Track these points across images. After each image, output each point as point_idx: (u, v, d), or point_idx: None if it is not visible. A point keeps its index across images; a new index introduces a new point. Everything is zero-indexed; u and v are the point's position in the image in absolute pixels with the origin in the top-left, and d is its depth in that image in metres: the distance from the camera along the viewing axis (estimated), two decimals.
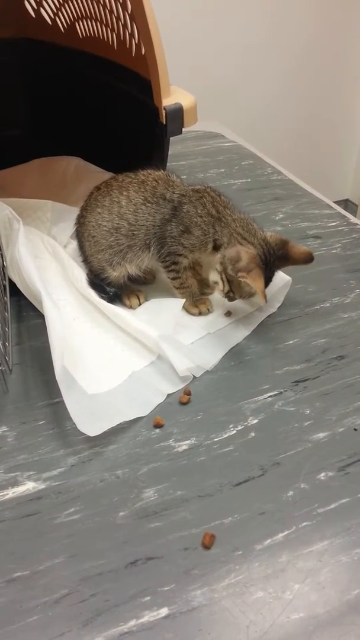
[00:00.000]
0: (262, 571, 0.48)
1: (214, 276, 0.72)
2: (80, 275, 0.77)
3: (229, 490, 0.55)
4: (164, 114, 0.75)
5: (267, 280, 0.70)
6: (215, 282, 0.72)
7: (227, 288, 0.71)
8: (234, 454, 0.58)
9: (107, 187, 0.76)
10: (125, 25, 0.78)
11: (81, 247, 0.79)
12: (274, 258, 0.70)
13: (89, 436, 0.58)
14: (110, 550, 0.50)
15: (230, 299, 0.73)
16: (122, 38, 0.81)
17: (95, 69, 0.89)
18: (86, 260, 0.78)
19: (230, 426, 0.61)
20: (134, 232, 0.73)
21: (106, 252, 0.74)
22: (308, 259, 0.73)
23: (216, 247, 0.71)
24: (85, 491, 0.55)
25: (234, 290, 0.71)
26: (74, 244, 0.83)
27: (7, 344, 0.65)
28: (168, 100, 0.75)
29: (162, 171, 0.75)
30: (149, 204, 0.72)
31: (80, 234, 0.78)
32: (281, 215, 1.01)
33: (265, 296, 0.67)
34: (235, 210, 0.72)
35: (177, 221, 0.71)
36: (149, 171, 0.75)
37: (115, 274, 0.75)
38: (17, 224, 0.75)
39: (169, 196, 0.72)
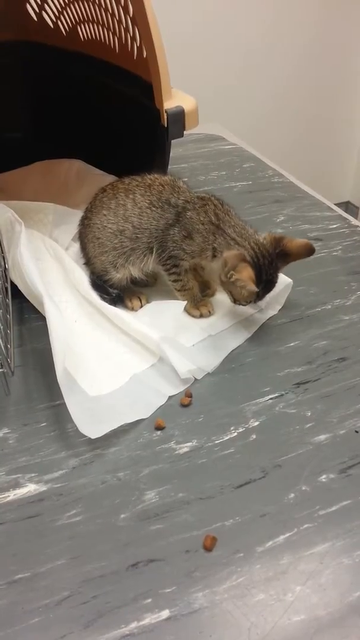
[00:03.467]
0: (264, 573, 0.48)
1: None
2: (81, 277, 0.77)
3: (230, 493, 0.55)
4: (165, 117, 0.75)
5: (268, 283, 0.70)
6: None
7: (231, 298, 0.72)
8: (235, 456, 0.58)
9: (113, 190, 0.76)
10: (127, 29, 0.78)
11: (84, 248, 0.79)
12: (271, 259, 0.70)
13: (90, 438, 0.58)
14: (112, 552, 0.50)
15: (242, 306, 0.73)
16: (123, 41, 0.81)
17: (97, 72, 0.90)
18: (89, 262, 0.78)
19: (232, 428, 0.61)
20: (138, 235, 0.73)
21: (110, 253, 0.75)
22: (309, 250, 0.72)
23: (215, 255, 0.71)
24: (87, 493, 0.55)
25: (235, 296, 0.72)
26: (75, 247, 0.83)
27: (9, 346, 0.65)
28: (169, 103, 0.76)
29: (169, 176, 0.76)
30: (154, 208, 0.72)
31: (83, 236, 0.79)
32: (282, 218, 1.01)
33: (254, 283, 0.66)
34: (235, 217, 0.72)
35: (180, 226, 0.72)
36: (155, 175, 0.75)
37: (119, 275, 0.75)
38: (18, 226, 0.76)
39: (174, 201, 0.72)
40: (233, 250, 0.69)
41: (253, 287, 0.66)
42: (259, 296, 0.71)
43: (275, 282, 0.72)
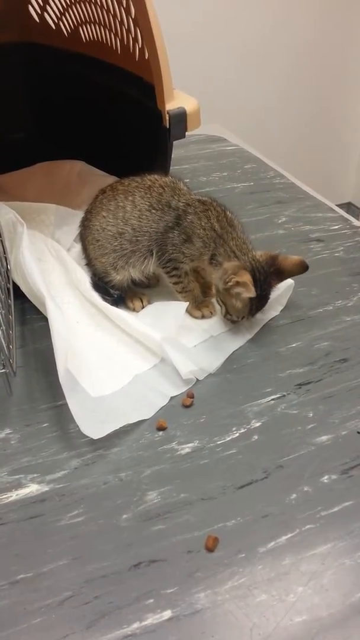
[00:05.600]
0: (266, 574, 0.48)
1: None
2: (83, 278, 0.77)
3: (232, 493, 0.55)
4: (167, 118, 0.75)
5: (262, 298, 0.71)
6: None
7: (224, 310, 0.72)
8: (237, 456, 0.58)
9: (112, 191, 0.76)
10: (128, 30, 0.78)
11: (85, 249, 0.79)
12: (266, 275, 0.70)
13: (92, 439, 0.58)
14: (114, 552, 0.50)
15: (232, 321, 0.74)
16: (125, 42, 0.81)
17: (99, 73, 0.90)
18: (90, 263, 0.78)
19: (233, 429, 0.61)
20: (138, 238, 0.73)
21: (110, 255, 0.75)
22: (302, 268, 0.73)
23: (212, 261, 0.72)
24: (89, 494, 0.55)
25: (228, 308, 0.72)
26: (77, 247, 0.83)
27: (11, 346, 0.65)
28: (171, 104, 0.76)
29: (169, 177, 0.75)
30: (154, 211, 0.72)
31: (84, 237, 0.79)
32: (284, 219, 1.01)
33: (253, 289, 0.66)
34: (238, 230, 0.72)
35: (179, 230, 0.72)
36: (155, 177, 0.75)
37: (119, 277, 0.75)
38: (20, 227, 0.76)
39: (174, 204, 0.72)
40: (233, 262, 0.69)
41: (252, 291, 0.67)
42: (252, 310, 0.71)
43: (268, 298, 0.72)
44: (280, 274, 0.72)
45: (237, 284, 0.67)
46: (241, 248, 0.70)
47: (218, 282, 0.71)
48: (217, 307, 0.77)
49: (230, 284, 0.68)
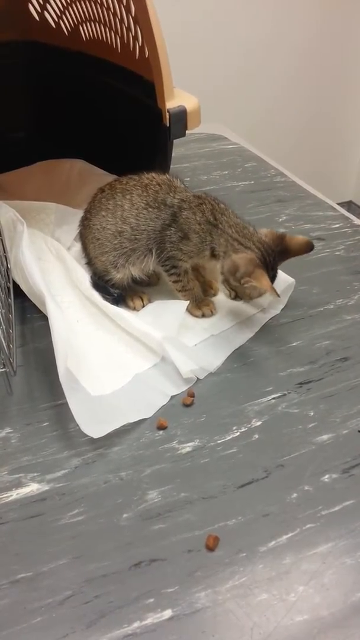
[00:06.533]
0: (266, 573, 0.48)
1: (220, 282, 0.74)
2: (83, 277, 0.77)
3: (232, 492, 0.55)
4: (167, 117, 0.75)
5: (271, 279, 0.70)
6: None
7: (232, 294, 0.73)
8: (238, 455, 0.58)
9: (111, 190, 0.76)
10: (129, 28, 0.78)
11: (85, 249, 0.79)
12: (274, 256, 0.70)
13: (92, 438, 0.58)
14: (114, 551, 0.50)
15: (238, 299, 0.75)
16: (125, 41, 0.81)
17: (99, 72, 0.90)
18: (90, 262, 0.78)
19: (234, 428, 0.61)
20: (137, 236, 0.73)
21: (110, 254, 0.75)
22: (308, 247, 0.73)
23: (214, 254, 0.72)
24: (89, 493, 0.55)
25: (240, 296, 0.73)
26: (77, 246, 0.83)
27: (11, 345, 0.65)
28: (171, 103, 0.76)
29: (166, 175, 0.75)
30: (150, 209, 0.72)
31: (84, 236, 0.79)
32: (284, 217, 1.01)
33: (275, 292, 0.67)
34: (232, 215, 0.72)
35: (176, 227, 0.71)
36: (153, 175, 0.75)
37: (119, 275, 0.75)
38: (21, 226, 0.76)
39: (170, 201, 0.72)
40: (241, 252, 0.69)
41: (274, 295, 0.67)
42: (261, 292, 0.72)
43: (276, 276, 0.72)
44: (286, 254, 0.72)
45: (254, 287, 0.68)
46: (243, 233, 0.70)
47: (227, 273, 0.71)
48: (218, 305, 0.77)
49: (246, 285, 0.68)
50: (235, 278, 0.69)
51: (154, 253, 0.73)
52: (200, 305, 0.76)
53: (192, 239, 0.71)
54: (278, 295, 0.68)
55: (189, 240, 0.71)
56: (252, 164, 1.21)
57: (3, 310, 0.64)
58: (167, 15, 0.77)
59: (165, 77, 0.74)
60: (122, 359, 0.68)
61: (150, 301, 0.78)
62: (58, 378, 0.60)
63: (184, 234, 0.71)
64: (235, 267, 0.68)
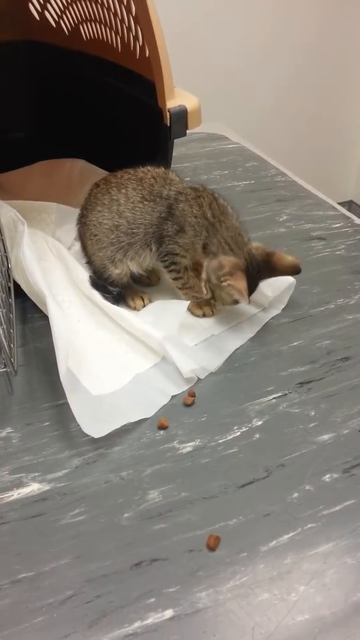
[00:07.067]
0: (267, 573, 0.48)
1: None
2: (84, 276, 0.77)
3: (233, 492, 0.55)
4: (168, 116, 0.75)
5: (249, 291, 0.70)
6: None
7: (209, 295, 0.73)
8: (239, 455, 0.58)
9: (106, 185, 0.76)
10: (129, 28, 0.78)
11: (84, 247, 0.79)
12: (258, 270, 0.71)
13: (93, 438, 0.58)
14: (115, 551, 0.50)
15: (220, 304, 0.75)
16: (126, 41, 0.81)
17: (100, 72, 0.89)
18: (89, 260, 0.78)
19: (235, 428, 0.61)
20: (134, 230, 0.73)
21: (107, 249, 0.75)
22: (295, 270, 0.73)
23: (205, 250, 0.72)
24: (90, 492, 0.55)
25: (216, 298, 0.73)
26: (78, 246, 0.83)
27: (12, 345, 0.65)
28: (172, 102, 0.76)
29: (162, 168, 0.75)
30: (146, 202, 0.72)
31: (82, 234, 0.78)
32: (285, 217, 1.01)
33: (247, 297, 0.68)
34: (231, 218, 0.72)
35: (173, 220, 0.72)
36: (148, 168, 0.75)
37: (117, 271, 0.75)
38: (21, 226, 0.76)
39: (166, 194, 0.72)
40: (229, 256, 0.69)
41: (245, 300, 0.68)
42: (237, 302, 0.72)
43: (254, 290, 0.72)
44: (272, 271, 0.73)
45: (231, 286, 0.67)
46: (236, 240, 0.70)
47: (210, 272, 0.71)
48: (218, 303, 0.77)
49: (224, 284, 0.68)
50: (217, 276, 0.69)
51: (152, 248, 0.73)
52: (201, 304, 0.76)
53: (187, 231, 0.71)
54: (248, 302, 0.69)
55: (184, 233, 0.71)
56: (252, 164, 1.21)
57: (4, 310, 0.64)
58: (167, 15, 0.77)
59: (165, 77, 0.74)
60: (123, 359, 0.68)
61: (150, 301, 0.77)
62: (59, 378, 0.60)
63: (180, 227, 0.71)
64: (220, 267, 0.69)
